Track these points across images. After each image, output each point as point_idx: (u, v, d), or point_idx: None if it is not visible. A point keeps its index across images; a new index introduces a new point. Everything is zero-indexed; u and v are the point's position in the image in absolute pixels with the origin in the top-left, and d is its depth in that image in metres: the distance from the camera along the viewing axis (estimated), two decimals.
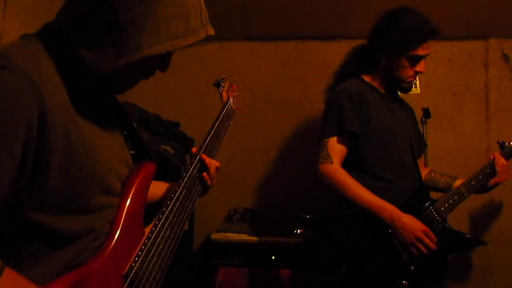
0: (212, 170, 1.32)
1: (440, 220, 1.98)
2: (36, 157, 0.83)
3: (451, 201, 2.04)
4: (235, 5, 2.80)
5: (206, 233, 2.71)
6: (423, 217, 1.93)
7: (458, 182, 2.15)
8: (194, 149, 1.34)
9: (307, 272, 2.43)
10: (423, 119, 2.59)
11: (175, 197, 1.15)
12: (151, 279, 1.03)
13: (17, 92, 0.80)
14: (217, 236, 2.51)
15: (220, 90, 1.75)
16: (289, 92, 2.98)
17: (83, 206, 0.93)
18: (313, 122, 2.77)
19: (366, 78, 2.13)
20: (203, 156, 1.31)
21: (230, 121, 1.62)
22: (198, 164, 1.30)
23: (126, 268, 0.98)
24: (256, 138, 2.98)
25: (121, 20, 0.89)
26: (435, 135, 2.73)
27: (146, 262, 1.02)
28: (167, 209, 1.12)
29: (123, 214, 1.01)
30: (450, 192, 2.07)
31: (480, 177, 2.12)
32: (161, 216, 1.10)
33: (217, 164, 1.36)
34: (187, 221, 1.21)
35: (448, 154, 2.82)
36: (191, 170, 1.25)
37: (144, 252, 1.02)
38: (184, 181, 1.21)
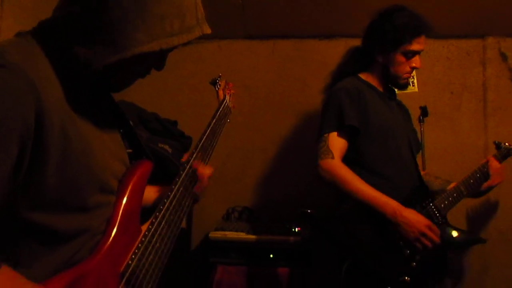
0: (205, 178, 1.29)
1: (440, 217, 1.98)
2: (32, 156, 0.83)
3: (450, 199, 2.05)
4: (234, 4, 2.80)
5: (204, 232, 2.71)
6: (423, 214, 1.93)
7: (452, 185, 2.16)
8: (185, 155, 1.31)
9: (305, 270, 2.43)
10: (421, 117, 2.59)
11: (172, 195, 1.15)
12: (148, 276, 1.03)
13: (14, 90, 0.79)
14: (215, 234, 2.51)
15: (217, 88, 1.75)
16: (287, 90, 2.98)
17: (79, 205, 0.93)
18: (311, 121, 2.77)
19: (364, 77, 2.14)
20: (195, 164, 1.28)
21: (227, 119, 1.62)
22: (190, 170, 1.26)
23: (123, 266, 0.98)
24: (254, 137, 2.98)
25: (114, 17, 0.89)
26: (433, 134, 2.73)
27: (143, 260, 1.03)
28: (163, 207, 1.12)
29: (119, 212, 1.01)
30: (449, 190, 2.08)
31: (478, 175, 2.14)
32: (158, 214, 1.10)
33: (209, 172, 1.32)
34: (184, 219, 1.21)
35: (446, 152, 2.83)
36: (187, 168, 1.25)
37: (141, 250, 1.02)
38: (181, 179, 1.21)
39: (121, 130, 1.14)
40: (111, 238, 0.97)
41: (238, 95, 1.83)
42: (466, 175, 2.16)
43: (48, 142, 0.83)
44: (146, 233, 1.06)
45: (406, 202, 1.90)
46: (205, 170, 1.31)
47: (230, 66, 2.99)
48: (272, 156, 2.97)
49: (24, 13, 2.06)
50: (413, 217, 1.83)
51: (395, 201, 1.85)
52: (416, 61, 2.05)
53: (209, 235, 2.51)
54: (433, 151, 2.70)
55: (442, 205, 2.02)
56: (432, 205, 1.99)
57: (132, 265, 0.99)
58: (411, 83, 2.64)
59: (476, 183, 2.12)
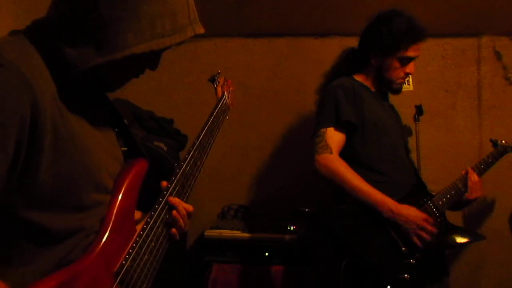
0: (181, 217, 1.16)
1: (438, 214, 1.99)
2: (27, 153, 0.82)
3: (448, 196, 2.06)
4: (229, 2, 2.80)
5: (199, 230, 2.70)
6: (421, 211, 1.94)
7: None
8: (164, 183, 1.18)
9: (300, 268, 2.43)
10: (416, 116, 2.61)
11: (168, 194, 1.15)
12: (142, 276, 1.03)
13: (10, 88, 0.79)
14: (210, 232, 2.51)
15: (215, 85, 1.73)
16: (282, 88, 2.98)
17: (74, 204, 0.92)
18: (307, 119, 2.77)
19: (357, 78, 2.15)
20: (172, 200, 1.15)
21: (225, 117, 1.60)
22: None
23: (117, 266, 0.97)
24: (249, 135, 2.98)
25: (104, 18, 0.88)
26: (427, 132, 2.74)
27: (138, 260, 1.02)
28: (159, 206, 1.11)
29: (114, 211, 1.00)
30: (447, 187, 2.09)
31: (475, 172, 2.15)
32: (153, 213, 1.10)
33: (189, 208, 1.19)
34: None
35: (440, 150, 2.84)
36: (183, 167, 1.24)
37: (135, 250, 1.02)
38: (177, 178, 1.20)
39: (116, 129, 1.13)
40: (105, 238, 0.96)
41: (234, 93, 1.82)
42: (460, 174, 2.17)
43: (42, 140, 0.83)
44: (141, 232, 1.05)
45: (404, 200, 1.91)
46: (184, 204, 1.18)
47: (225, 64, 2.98)
48: (267, 154, 2.97)
49: (20, 11, 2.05)
50: (409, 213, 1.85)
51: (390, 199, 1.86)
52: (410, 67, 2.06)
53: (205, 233, 2.51)
54: (428, 150, 2.71)
55: (440, 203, 2.03)
56: (430, 203, 2.00)
57: (126, 265, 0.99)
58: (406, 82, 2.66)
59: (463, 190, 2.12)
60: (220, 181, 2.93)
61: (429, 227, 1.85)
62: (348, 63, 2.18)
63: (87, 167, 0.93)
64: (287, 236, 2.47)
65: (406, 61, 2.04)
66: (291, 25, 2.92)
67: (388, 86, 2.13)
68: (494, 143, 2.33)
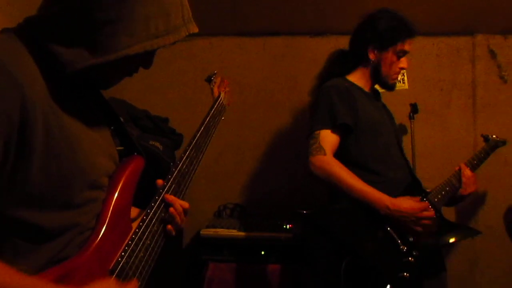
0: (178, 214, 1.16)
1: (434, 211, 2.00)
2: (17, 152, 0.82)
3: (443, 192, 2.07)
4: (225, 1, 2.80)
5: (195, 229, 2.70)
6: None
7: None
8: (159, 181, 1.17)
9: (296, 266, 2.44)
10: (411, 114, 2.62)
11: (164, 192, 1.15)
12: (137, 274, 1.03)
13: None
14: (206, 231, 2.51)
15: (212, 85, 1.73)
16: (278, 87, 2.98)
17: (66, 201, 0.92)
18: (303, 118, 2.78)
19: (350, 78, 2.16)
20: (168, 197, 1.15)
21: (221, 117, 1.60)
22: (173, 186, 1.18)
23: (113, 263, 0.97)
24: (245, 134, 2.98)
25: (97, 18, 0.88)
26: (422, 130, 2.76)
27: (133, 257, 1.02)
28: (155, 204, 1.11)
29: (110, 208, 1.00)
30: (441, 184, 2.10)
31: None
32: (149, 211, 1.10)
33: (186, 205, 1.18)
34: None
35: (435, 149, 2.85)
36: (180, 166, 1.24)
37: (131, 247, 1.02)
38: (173, 177, 1.20)
39: (112, 127, 1.13)
40: (100, 235, 0.96)
41: (230, 92, 1.82)
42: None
43: (32, 138, 0.83)
44: (137, 230, 1.05)
45: None
46: (180, 201, 1.18)
47: (221, 63, 2.98)
48: (263, 153, 2.97)
49: (13, 9, 2.03)
50: (405, 206, 1.85)
51: (386, 196, 1.87)
52: (404, 62, 2.11)
53: (201, 232, 2.51)
54: (423, 148, 2.72)
55: (436, 199, 2.04)
56: (426, 200, 2.01)
57: (122, 262, 0.99)
58: (401, 80, 2.67)
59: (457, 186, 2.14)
60: (216, 180, 2.93)
61: (426, 213, 1.87)
62: (340, 64, 2.20)
63: (81, 166, 0.93)
64: (283, 235, 2.47)
65: (401, 54, 2.09)
66: (287, 24, 2.92)
67: (384, 82, 2.14)
68: (486, 138, 2.36)
